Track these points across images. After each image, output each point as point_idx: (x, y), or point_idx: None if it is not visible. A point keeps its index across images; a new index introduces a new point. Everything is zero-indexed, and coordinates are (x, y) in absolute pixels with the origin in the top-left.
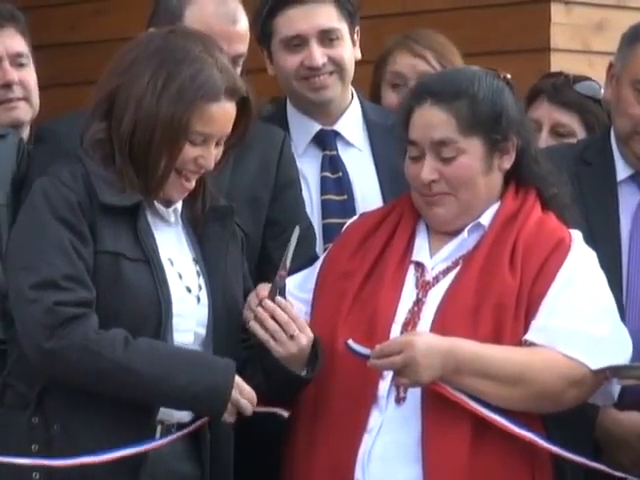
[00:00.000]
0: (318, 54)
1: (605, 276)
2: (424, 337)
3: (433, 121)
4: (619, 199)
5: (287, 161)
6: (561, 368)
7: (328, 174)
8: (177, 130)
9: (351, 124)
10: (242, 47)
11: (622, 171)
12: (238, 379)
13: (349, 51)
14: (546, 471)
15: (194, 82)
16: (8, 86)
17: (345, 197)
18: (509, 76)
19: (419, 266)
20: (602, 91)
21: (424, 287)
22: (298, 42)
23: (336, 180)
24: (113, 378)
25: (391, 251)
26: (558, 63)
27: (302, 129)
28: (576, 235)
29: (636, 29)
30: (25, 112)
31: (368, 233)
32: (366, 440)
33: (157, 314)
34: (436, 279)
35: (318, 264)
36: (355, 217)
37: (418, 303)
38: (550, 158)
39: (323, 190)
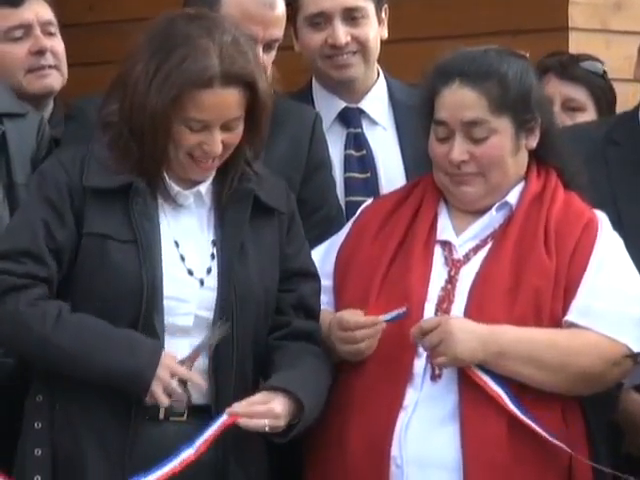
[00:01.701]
0: (341, 33)
1: (632, 258)
2: (461, 318)
3: (464, 101)
4: None
5: (318, 141)
6: (603, 349)
7: (352, 152)
8: (162, 116)
9: (376, 102)
10: (278, 32)
11: None
12: (169, 362)
13: (374, 30)
14: (582, 446)
15: (179, 68)
16: (41, 53)
17: (369, 175)
18: (527, 54)
19: (446, 245)
20: (603, 68)
21: (455, 265)
22: (322, 20)
23: (360, 158)
24: (39, 351)
25: (416, 231)
26: (576, 42)
27: (327, 106)
28: (602, 216)
29: None
30: (56, 80)
31: (387, 216)
32: (402, 417)
33: (140, 295)
34: (466, 257)
35: (335, 248)
36: (369, 201)
37: (451, 281)
38: (575, 137)
39: (346, 168)
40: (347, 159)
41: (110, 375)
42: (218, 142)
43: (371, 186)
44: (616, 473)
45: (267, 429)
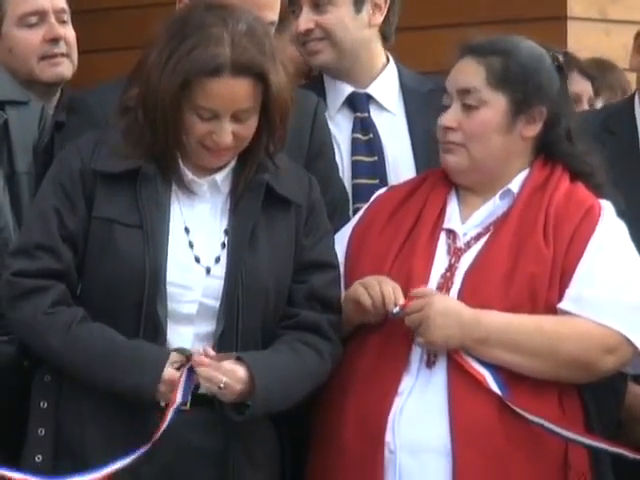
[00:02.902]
0: (302, 20)
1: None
2: (445, 298)
3: (464, 70)
4: None
5: (320, 126)
6: (594, 337)
7: (359, 136)
8: (171, 103)
9: (385, 88)
10: (271, 15)
11: None
12: (170, 374)
13: (346, 17)
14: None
15: (189, 55)
16: (55, 41)
17: (376, 158)
18: (561, 58)
19: (450, 233)
20: None
21: (456, 253)
22: (294, 8)
23: (367, 142)
24: (53, 361)
25: (423, 220)
26: (574, 32)
27: (336, 91)
28: (606, 204)
29: None
30: (68, 68)
31: (398, 205)
32: (397, 403)
33: (142, 280)
34: (467, 245)
35: (345, 237)
36: (382, 190)
37: (451, 269)
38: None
39: (354, 151)
40: (354, 142)
41: (114, 391)
42: (228, 132)
43: (378, 169)
44: (613, 450)
45: (222, 385)
